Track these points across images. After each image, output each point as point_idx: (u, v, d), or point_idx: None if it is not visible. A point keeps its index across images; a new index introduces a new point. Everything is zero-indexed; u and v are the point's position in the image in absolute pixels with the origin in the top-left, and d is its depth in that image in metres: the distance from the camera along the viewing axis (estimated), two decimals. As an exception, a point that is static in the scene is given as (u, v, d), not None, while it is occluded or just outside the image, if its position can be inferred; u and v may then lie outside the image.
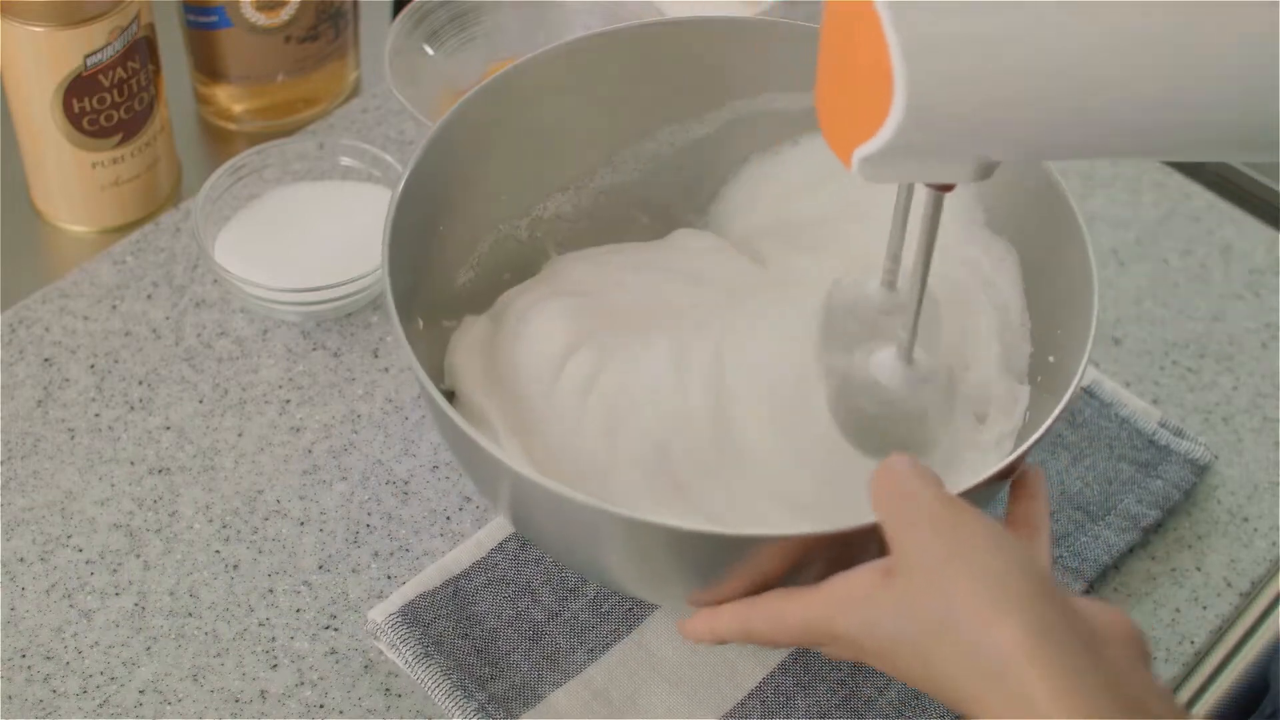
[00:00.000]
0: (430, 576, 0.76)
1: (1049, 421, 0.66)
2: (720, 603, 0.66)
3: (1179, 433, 0.84)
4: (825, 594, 0.62)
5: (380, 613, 0.74)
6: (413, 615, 0.74)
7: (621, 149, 0.83)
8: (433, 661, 0.73)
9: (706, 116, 0.83)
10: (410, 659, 0.73)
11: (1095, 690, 0.54)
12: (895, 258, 0.73)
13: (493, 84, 0.77)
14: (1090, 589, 0.79)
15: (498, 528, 0.78)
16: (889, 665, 0.60)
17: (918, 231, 0.66)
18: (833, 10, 0.60)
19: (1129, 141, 0.59)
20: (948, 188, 0.63)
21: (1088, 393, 0.85)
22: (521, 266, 0.82)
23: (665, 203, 0.85)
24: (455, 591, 0.75)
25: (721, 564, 0.65)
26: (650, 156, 0.84)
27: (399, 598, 0.75)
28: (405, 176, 0.72)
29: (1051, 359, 0.73)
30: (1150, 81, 0.55)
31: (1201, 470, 0.83)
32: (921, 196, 0.65)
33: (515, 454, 0.73)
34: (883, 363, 0.72)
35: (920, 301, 0.69)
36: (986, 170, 0.60)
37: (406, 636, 0.74)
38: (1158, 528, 0.82)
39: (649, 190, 0.84)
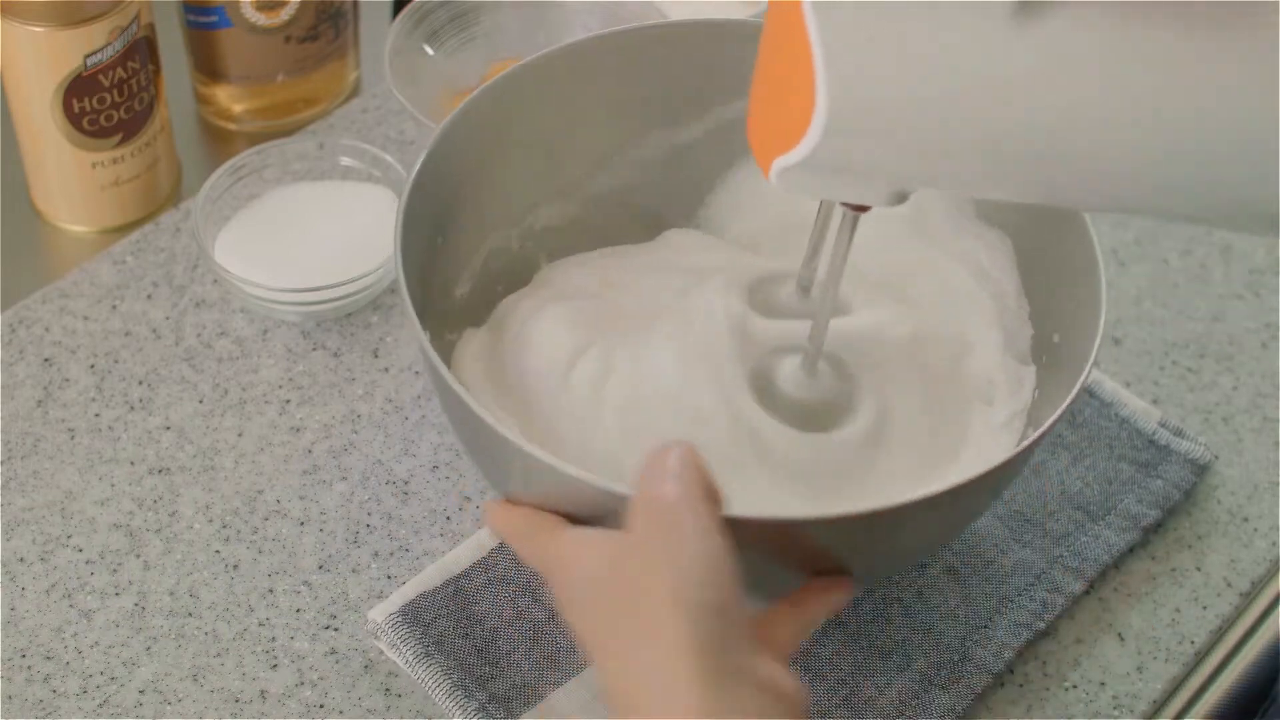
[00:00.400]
0: (430, 576, 0.76)
1: (1068, 399, 0.65)
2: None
3: (1179, 433, 0.84)
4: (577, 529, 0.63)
5: (380, 612, 0.74)
6: (413, 615, 0.74)
7: (613, 155, 0.83)
8: (433, 661, 0.73)
9: (694, 122, 0.83)
10: (411, 658, 0.73)
11: (735, 681, 0.55)
12: (810, 264, 0.73)
13: (490, 89, 0.76)
14: (1090, 589, 0.79)
15: None
16: (565, 594, 0.61)
17: (832, 245, 0.66)
18: (770, 17, 0.60)
19: (1071, 193, 0.60)
20: (863, 208, 0.64)
21: (1088, 392, 0.85)
22: (514, 277, 0.82)
23: (655, 209, 0.85)
24: (456, 591, 0.75)
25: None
26: (641, 162, 0.84)
27: (399, 597, 0.75)
28: (407, 193, 0.71)
29: (1056, 338, 0.73)
30: (1089, 139, 0.55)
31: (1202, 470, 0.83)
32: (839, 212, 0.66)
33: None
34: (786, 373, 0.74)
35: (828, 314, 0.70)
36: (902, 196, 0.60)
37: (407, 636, 0.74)
38: (1158, 528, 0.82)
39: (639, 196, 0.84)
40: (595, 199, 0.83)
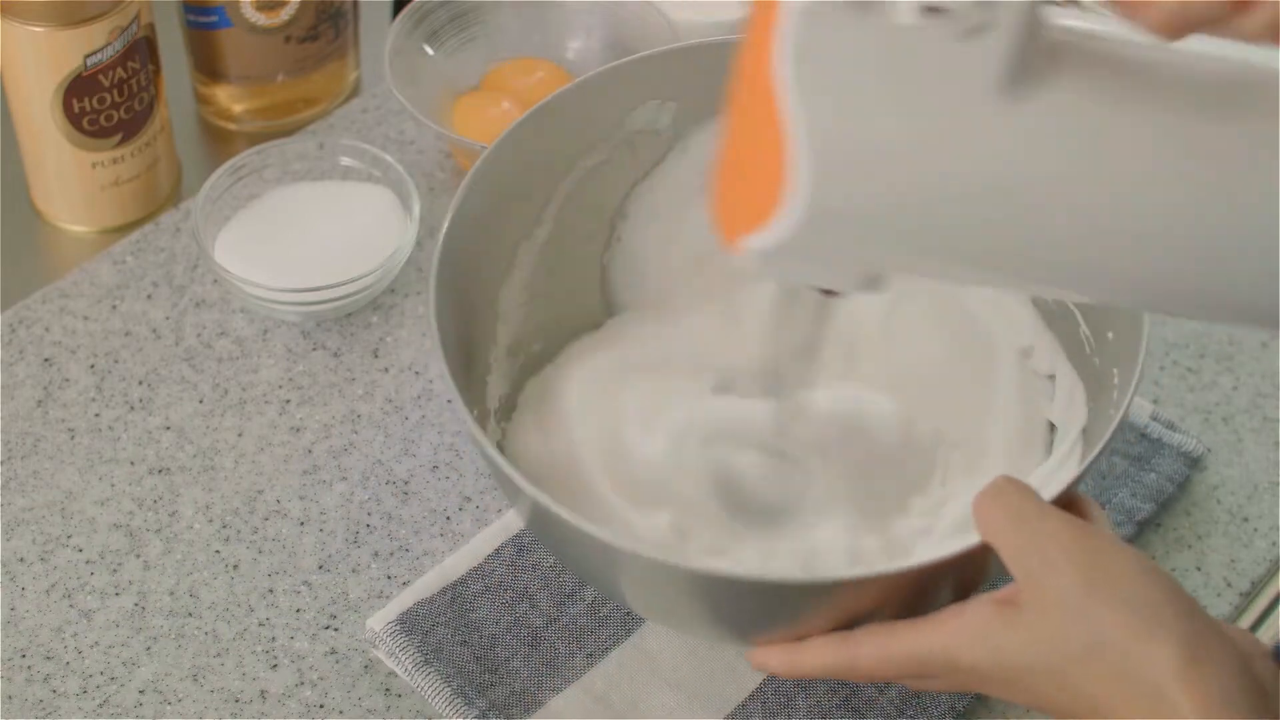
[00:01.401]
0: (427, 584, 0.76)
1: (1112, 426, 0.66)
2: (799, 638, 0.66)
3: (1171, 425, 0.84)
4: (941, 628, 0.61)
5: (379, 621, 0.74)
6: (411, 623, 0.74)
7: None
8: (432, 669, 0.73)
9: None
10: (409, 667, 0.73)
11: (1247, 710, 0.54)
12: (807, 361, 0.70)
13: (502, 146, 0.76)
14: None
15: (494, 534, 0.77)
16: (1016, 691, 0.60)
17: (812, 337, 0.64)
18: (741, 88, 0.55)
19: (1064, 286, 0.57)
20: (834, 293, 0.60)
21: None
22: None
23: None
24: (453, 599, 0.75)
25: (812, 607, 0.64)
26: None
27: (397, 605, 0.75)
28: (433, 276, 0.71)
29: (1111, 335, 0.73)
30: (1079, 227, 0.52)
31: (1194, 462, 0.83)
32: (811, 299, 0.62)
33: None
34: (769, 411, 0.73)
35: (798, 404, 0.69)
36: (878, 282, 0.57)
37: (405, 644, 0.73)
38: (1155, 523, 0.82)
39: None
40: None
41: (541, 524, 0.67)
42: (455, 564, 0.76)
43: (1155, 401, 0.87)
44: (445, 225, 0.72)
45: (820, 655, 0.64)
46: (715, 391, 0.78)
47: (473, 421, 0.65)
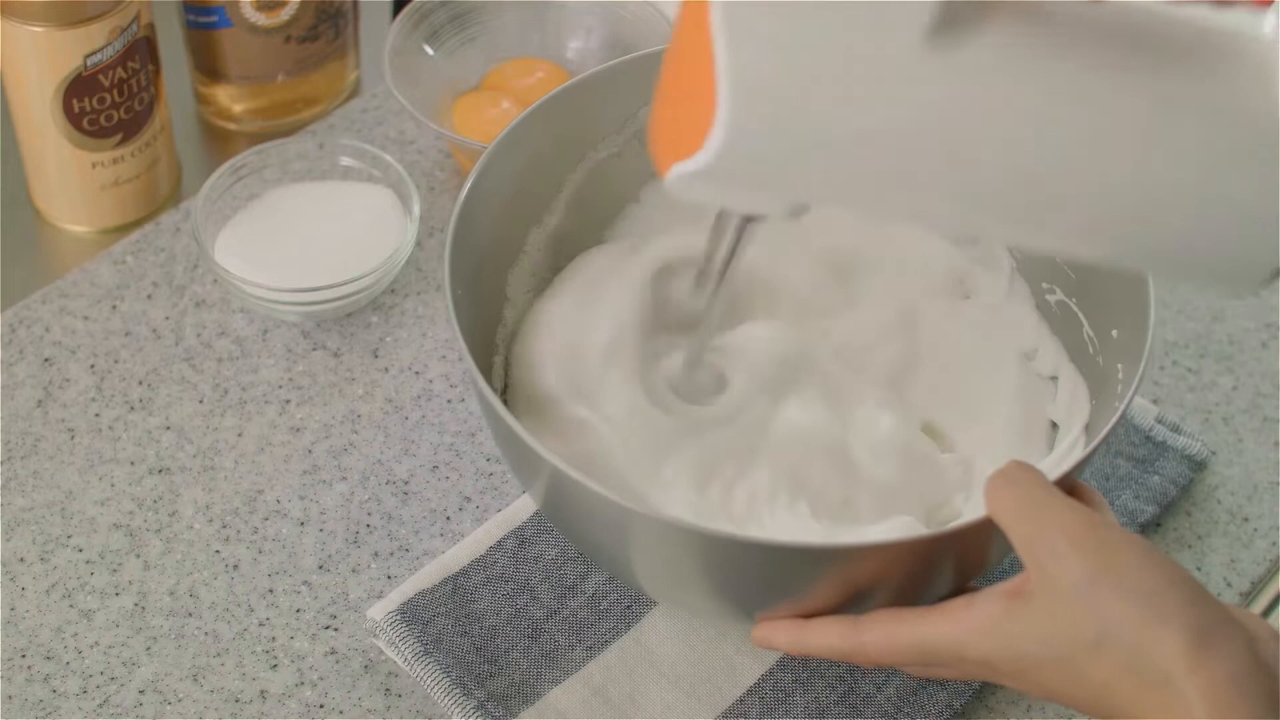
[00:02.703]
0: (429, 574, 0.76)
1: (1115, 416, 0.66)
2: (807, 616, 0.66)
3: (1176, 428, 0.84)
4: (951, 619, 0.61)
5: (379, 610, 0.74)
6: (412, 613, 0.74)
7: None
8: (432, 659, 0.73)
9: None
10: (409, 656, 0.73)
11: (1255, 696, 0.55)
12: (709, 257, 0.71)
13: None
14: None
15: (496, 526, 0.78)
16: (1026, 682, 0.60)
17: (723, 245, 0.65)
18: (681, 19, 0.58)
19: (986, 227, 0.58)
20: (756, 218, 0.62)
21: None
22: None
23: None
24: (454, 589, 0.76)
25: (817, 575, 0.65)
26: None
27: (398, 595, 0.75)
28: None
29: (1115, 333, 0.74)
30: (1002, 175, 0.54)
31: (1199, 466, 0.83)
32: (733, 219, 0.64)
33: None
34: (673, 366, 0.74)
35: (717, 315, 0.69)
36: (801, 209, 0.59)
37: (405, 634, 0.74)
38: (1155, 523, 0.82)
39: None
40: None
41: (557, 494, 0.68)
42: (457, 555, 0.77)
43: (1156, 401, 0.87)
44: (456, 210, 0.72)
45: (826, 636, 0.65)
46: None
47: (490, 392, 0.66)
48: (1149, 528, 0.81)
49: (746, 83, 0.52)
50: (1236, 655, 0.56)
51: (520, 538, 0.77)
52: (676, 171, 0.56)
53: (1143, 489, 0.82)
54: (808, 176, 0.56)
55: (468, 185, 0.73)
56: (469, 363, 0.68)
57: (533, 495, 0.73)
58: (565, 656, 0.74)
